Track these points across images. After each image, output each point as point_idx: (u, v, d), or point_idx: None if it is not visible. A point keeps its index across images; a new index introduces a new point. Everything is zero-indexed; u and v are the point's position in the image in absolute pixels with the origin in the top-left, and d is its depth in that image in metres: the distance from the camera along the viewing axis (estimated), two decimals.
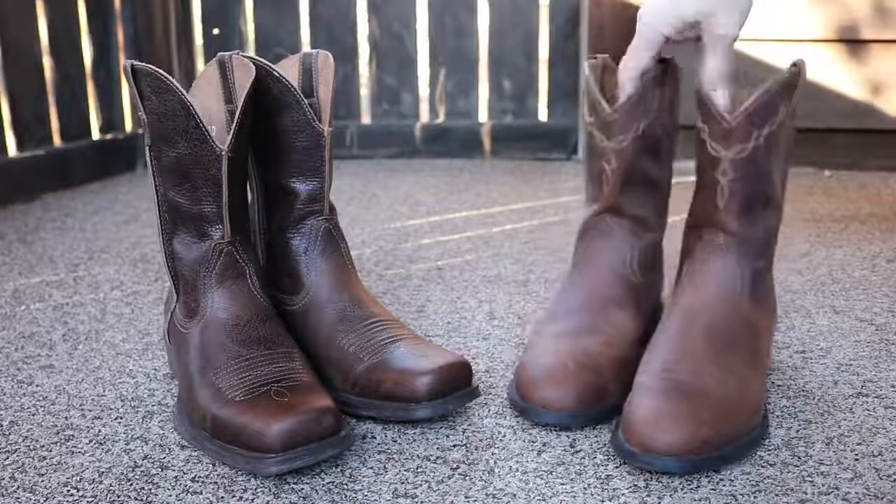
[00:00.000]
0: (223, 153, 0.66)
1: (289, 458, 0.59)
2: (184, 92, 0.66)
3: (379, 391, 0.68)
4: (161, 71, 0.66)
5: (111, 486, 0.61)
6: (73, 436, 0.68)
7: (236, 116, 0.67)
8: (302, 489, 0.60)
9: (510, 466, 0.62)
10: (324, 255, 0.74)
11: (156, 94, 0.67)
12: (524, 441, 0.66)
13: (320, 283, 0.74)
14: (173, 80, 0.66)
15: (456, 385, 0.68)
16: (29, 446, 0.66)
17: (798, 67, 0.67)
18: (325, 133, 0.72)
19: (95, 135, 1.87)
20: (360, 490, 0.60)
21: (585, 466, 0.62)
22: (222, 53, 0.72)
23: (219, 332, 0.68)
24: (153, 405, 0.73)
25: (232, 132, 0.66)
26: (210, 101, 0.72)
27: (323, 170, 0.74)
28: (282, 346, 0.68)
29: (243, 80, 0.69)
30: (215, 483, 0.61)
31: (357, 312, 0.73)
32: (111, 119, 1.92)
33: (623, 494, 0.58)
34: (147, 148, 0.69)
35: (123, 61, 0.69)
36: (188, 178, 0.68)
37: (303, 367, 0.67)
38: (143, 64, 0.67)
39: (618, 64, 0.76)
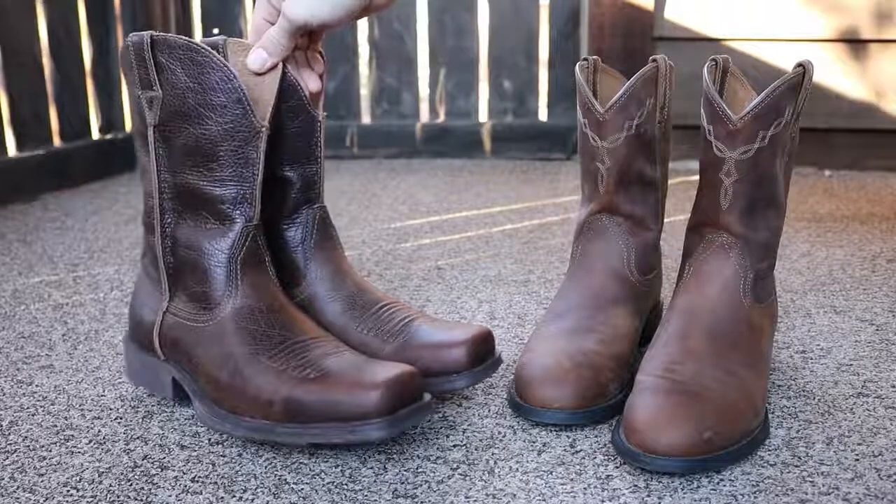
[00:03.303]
0: (263, 128, 0.64)
1: (391, 421, 0.58)
2: (227, 64, 0.62)
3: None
4: (196, 41, 0.63)
5: (111, 486, 0.61)
6: (72, 436, 0.68)
7: (276, 92, 0.65)
8: (302, 489, 0.60)
9: (510, 466, 0.62)
10: (320, 245, 0.74)
11: (185, 68, 0.62)
12: (524, 441, 0.66)
13: (321, 273, 0.74)
14: (214, 52, 0.62)
15: (487, 353, 0.70)
16: (29, 446, 0.66)
17: (804, 68, 0.67)
18: (319, 118, 0.72)
19: (95, 135, 1.87)
20: (360, 490, 0.59)
21: (585, 466, 0.62)
22: (213, 38, 0.69)
23: (255, 317, 0.65)
24: (153, 405, 0.73)
25: (273, 106, 0.65)
26: None
27: (318, 155, 0.73)
28: (316, 330, 0.66)
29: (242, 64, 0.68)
30: (215, 483, 0.61)
31: (364, 299, 0.74)
32: (111, 119, 1.92)
33: (623, 494, 0.58)
34: (151, 129, 0.65)
35: (130, 37, 0.64)
36: (212, 158, 0.64)
37: (345, 346, 0.65)
38: (174, 35, 0.63)
39: (609, 65, 0.76)
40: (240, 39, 0.70)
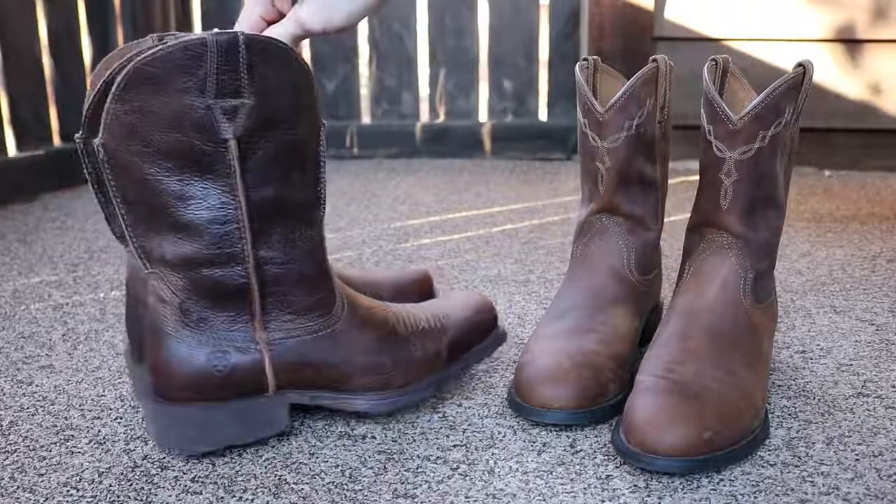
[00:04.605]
0: (323, 125, 0.62)
1: (500, 336, 0.78)
2: (308, 65, 0.59)
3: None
4: (278, 39, 0.57)
5: (111, 486, 0.61)
6: (72, 436, 0.68)
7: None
8: (302, 489, 0.60)
9: (510, 466, 0.62)
10: None
11: (277, 71, 0.56)
12: (524, 441, 0.66)
13: None
14: (296, 52, 0.58)
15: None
16: (29, 446, 0.66)
17: (804, 68, 0.67)
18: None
19: None
20: (360, 490, 0.59)
21: (585, 466, 0.62)
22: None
23: (359, 301, 0.68)
24: None
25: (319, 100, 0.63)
26: None
27: None
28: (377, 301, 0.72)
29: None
30: (215, 483, 0.61)
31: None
32: None
33: (623, 494, 0.58)
34: (236, 142, 0.57)
35: (236, 32, 0.55)
36: (298, 165, 0.60)
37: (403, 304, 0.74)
38: (260, 35, 0.56)
39: (609, 65, 0.76)
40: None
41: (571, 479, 0.60)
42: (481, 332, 0.76)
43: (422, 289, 0.91)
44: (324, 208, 0.64)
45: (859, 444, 0.65)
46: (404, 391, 0.69)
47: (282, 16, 0.69)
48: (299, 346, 0.64)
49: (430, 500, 0.58)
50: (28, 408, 0.73)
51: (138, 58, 0.54)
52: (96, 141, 0.57)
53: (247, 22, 0.70)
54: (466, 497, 0.58)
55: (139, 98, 0.55)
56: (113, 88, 0.55)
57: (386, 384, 0.67)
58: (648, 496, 0.58)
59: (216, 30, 0.56)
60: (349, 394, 0.67)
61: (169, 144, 0.56)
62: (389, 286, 0.89)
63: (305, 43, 2.12)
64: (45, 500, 0.59)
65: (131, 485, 0.61)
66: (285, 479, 0.61)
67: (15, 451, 0.66)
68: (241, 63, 0.56)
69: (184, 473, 0.62)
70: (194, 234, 0.59)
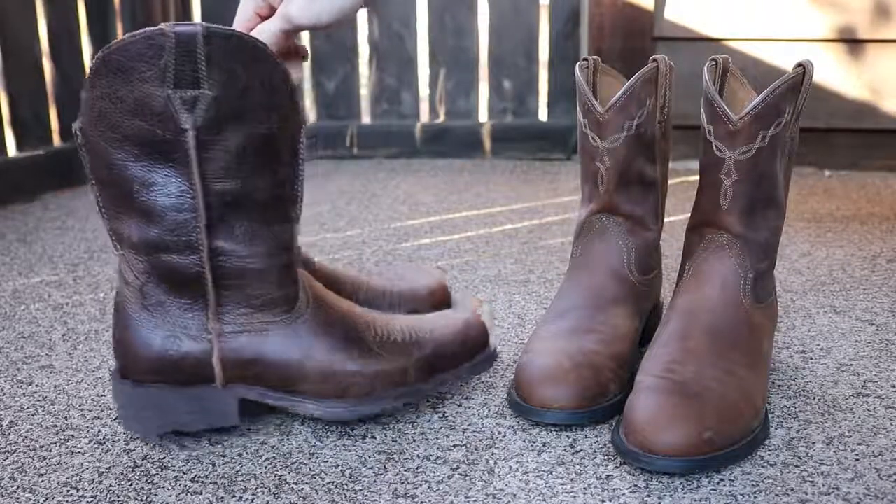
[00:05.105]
0: (304, 124, 0.62)
1: (488, 356, 0.73)
2: (281, 62, 0.59)
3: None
4: (253, 36, 0.58)
5: (111, 486, 0.61)
6: (72, 436, 0.68)
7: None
8: (302, 489, 0.60)
9: (510, 466, 0.62)
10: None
11: (244, 65, 0.57)
12: (524, 441, 0.66)
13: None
14: (268, 47, 0.59)
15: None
16: (29, 446, 0.66)
17: (804, 68, 0.67)
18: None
19: None
20: (360, 490, 0.59)
21: (585, 466, 0.62)
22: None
23: (329, 302, 0.66)
24: None
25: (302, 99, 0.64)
26: None
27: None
28: (359, 308, 0.70)
29: None
30: (215, 483, 0.61)
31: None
32: None
33: (623, 494, 0.58)
34: (192, 132, 0.58)
35: (186, 29, 0.56)
36: (272, 159, 0.61)
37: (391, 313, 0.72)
38: (231, 28, 0.57)
39: (609, 65, 0.76)
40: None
41: (571, 479, 0.60)
42: (464, 354, 0.71)
43: (435, 300, 0.87)
44: (300, 206, 0.64)
45: (859, 444, 0.65)
46: (361, 401, 0.66)
47: (273, 11, 0.70)
48: (253, 341, 0.64)
49: (430, 500, 0.58)
50: (28, 408, 0.73)
51: (108, 47, 0.57)
52: (75, 125, 0.60)
53: (241, 17, 0.70)
54: (466, 497, 0.58)
55: (107, 85, 0.57)
56: (86, 75, 0.57)
57: (342, 391, 0.65)
58: (648, 496, 0.58)
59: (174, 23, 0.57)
60: (301, 396, 0.65)
61: (133, 131, 0.58)
62: (396, 296, 0.85)
63: (307, 43, 2.12)
64: (45, 500, 0.59)
65: (131, 485, 0.61)
66: (285, 479, 0.61)
67: (15, 451, 0.66)
68: (200, 55, 0.56)
69: (184, 473, 0.62)
70: (155, 219, 0.60)
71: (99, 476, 0.62)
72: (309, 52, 1.86)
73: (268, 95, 0.59)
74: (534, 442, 0.66)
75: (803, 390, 0.75)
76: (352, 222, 1.42)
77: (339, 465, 0.63)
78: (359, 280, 0.85)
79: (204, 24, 0.56)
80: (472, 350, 0.72)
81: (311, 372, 0.64)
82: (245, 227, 0.62)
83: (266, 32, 0.68)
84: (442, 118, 2.12)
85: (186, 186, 0.59)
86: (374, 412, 0.66)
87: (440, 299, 0.88)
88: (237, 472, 0.62)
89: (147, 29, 0.56)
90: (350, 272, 0.86)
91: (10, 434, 0.69)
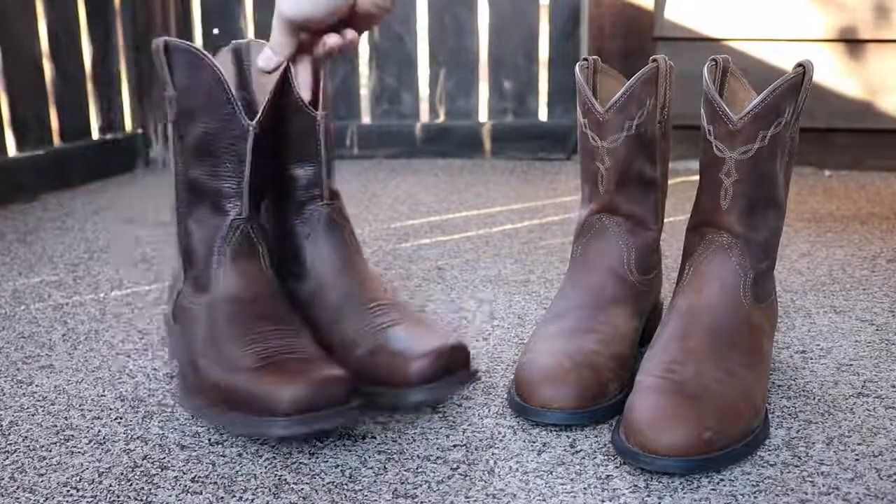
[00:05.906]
0: (250, 128, 0.68)
1: (297, 421, 0.59)
2: (218, 66, 0.68)
3: (375, 376, 0.67)
4: (195, 46, 0.69)
5: (111, 486, 0.61)
6: (72, 436, 0.68)
7: (270, 92, 0.69)
8: (302, 489, 0.60)
9: (510, 466, 0.62)
10: (326, 241, 0.75)
11: (187, 70, 0.69)
12: (524, 441, 0.66)
13: (323, 269, 0.74)
14: (208, 55, 0.68)
15: (451, 369, 0.67)
16: (29, 446, 0.66)
17: (804, 68, 0.67)
18: (318, 118, 0.73)
19: (95, 135, 1.87)
20: (360, 490, 0.59)
21: (585, 466, 0.62)
22: (237, 41, 0.74)
23: (229, 305, 0.68)
24: (153, 405, 0.73)
25: (263, 108, 0.68)
26: None
27: (319, 154, 0.74)
28: (290, 323, 0.68)
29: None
30: (215, 483, 0.61)
31: (358, 297, 0.73)
32: (111, 119, 1.92)
33: (623, 494, 0.58)
34: (172, 125, 0.71)
35: (155, 41, 0.70)
36: (211, 154, 0.69)
37: (310, 343, 0.66)
38: (178, 40, 0.70)
39: (609, 65, 0.77)
40: (263, 42, 0.73)
41: (571, 479, 0.60)
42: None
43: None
44: (246, 201, 0.70)
45: (859, 444, 0.65)
46: (188, 402, 0.66)
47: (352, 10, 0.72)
48: (182, 308, 0.72)
49: (430, 500, 0.58)
50: (28, 408, 0.73)
51: None
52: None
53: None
54: (466, 497, 0.58)
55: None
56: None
57: (186, 378, 0.66)
58: (648, 496, 0.58)
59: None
60: (184, 376, 0.69)
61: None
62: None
63: None
64: (45, 500, 0.59)
65: (131, 485, 0.61)
66: (285, 479, 0.61)
67: (15, 451, 0.66)
68: (162, 62, 0.70)
69: (184, 473, 0.62)
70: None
71: (99, 476, 0.62)
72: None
73: (207, 96, 0.68)
74: (534, 442, 0.66)
75: (803, 390, 0.75)
76: (352, 222, 1.42)
77: (339, 465, 0.63)
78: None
79: (162, 38, 0.70)
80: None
81: (180, 365, 0.71)
82: (197, 212, 0.71)
83: (272, 37, 0.71)
84: (442, 118, 2.12)
85: (174, 168, 0.73)
86: (230, 429, 0.66)
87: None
88: (237, 472, 0.62)
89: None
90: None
91: (10, 434, 0.69)
